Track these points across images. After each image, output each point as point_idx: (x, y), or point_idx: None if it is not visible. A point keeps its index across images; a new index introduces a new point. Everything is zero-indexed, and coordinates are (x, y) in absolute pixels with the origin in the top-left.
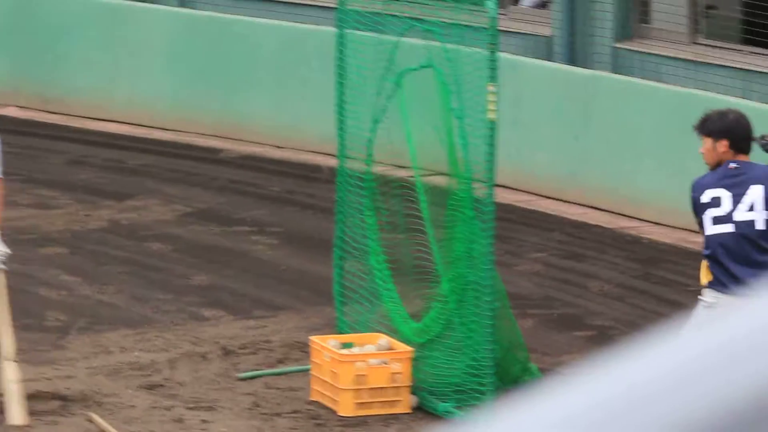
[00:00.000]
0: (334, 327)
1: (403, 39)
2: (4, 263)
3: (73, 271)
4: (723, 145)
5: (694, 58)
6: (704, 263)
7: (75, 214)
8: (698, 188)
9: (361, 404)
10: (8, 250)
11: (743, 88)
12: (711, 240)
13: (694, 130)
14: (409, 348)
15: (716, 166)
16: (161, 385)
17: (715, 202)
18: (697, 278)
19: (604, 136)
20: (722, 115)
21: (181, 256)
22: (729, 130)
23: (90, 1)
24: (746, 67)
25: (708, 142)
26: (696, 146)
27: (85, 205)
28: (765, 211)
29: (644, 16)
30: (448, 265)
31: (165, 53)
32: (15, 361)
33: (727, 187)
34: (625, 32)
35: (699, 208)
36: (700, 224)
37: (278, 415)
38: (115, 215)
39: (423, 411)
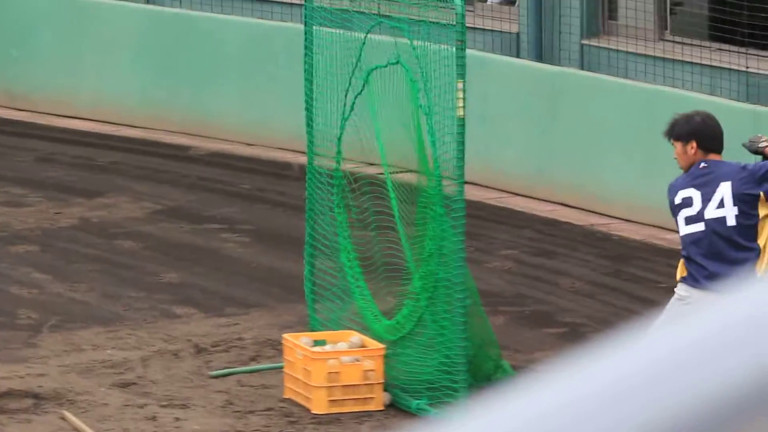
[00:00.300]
0: (306, 324)
1: (371, 36)
2: None
3: (44, 269)
4: (692, 147)
5: (662, 55)
6: (681, 261)
7: (45, 211)
8: (672, 190)
9: (334, 402)
10: None
11: (711, 85)
12: (685, 240)
13: (664, 137)
14: (381, 345)
15: (690, 168)
16: (134, 383)
17: (687, 203)
18: (669, 275)
19: (573, 133)
20: (689, 118)
21: (151, 254)
22: (696, 131)
23: None
24: (714, 64)
25: (678, 145)
26: (664, 143)
27: (55, 202)
28: (735, 208)
29: (612, 12)
30: (419, 262)
31: (131, 50)
32: None
33: (697, 187)
34: (592, 29)
35: (674, 210)
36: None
37: (251, 412)
38: (85, 213)
39: (396, 408)
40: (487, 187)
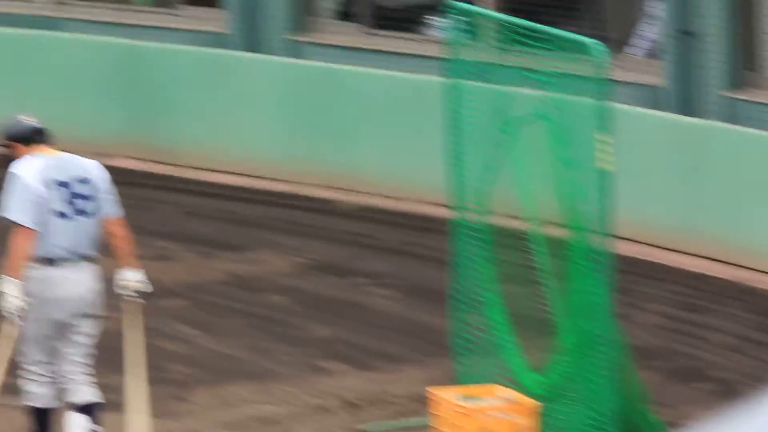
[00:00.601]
0: (454, 378)
1: (514, 88)
2: (139, 293)
3: (193, 323)
4: None
5: None
6: None
7: (193, 265)
8: None
9: None
10: (144, 279)
11: None
12: None
13: None
14: (535, 402)
15: None
16: None
17: None
18: None
19: (718, 186)
20: None
21: (299, 308)
22: None
23: (199, 52)
24: None
25: None
26: None
27: (202, 256)
28: None
29: (754, 65)
30: (568, 316)
31: (275, 104)
32: (145, 414)
33: None
34: (735, 81)
35: None
36: None
37: None
38: (232, 267)
39: None
40: (632, 240)
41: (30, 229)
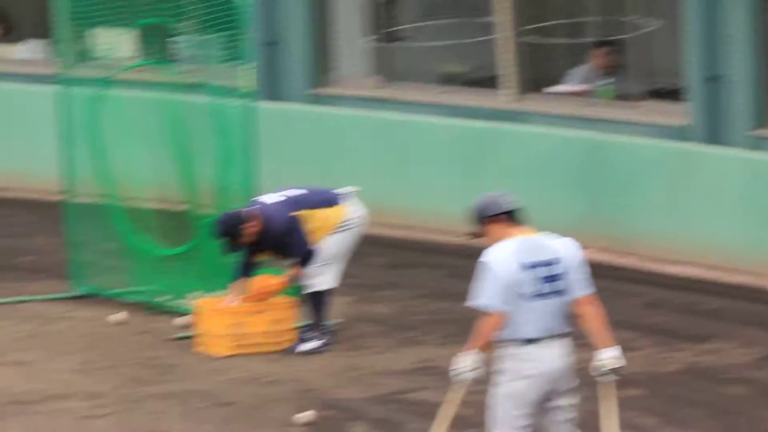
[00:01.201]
0: None
1: None
2: (612, 370)
3: (652, 413)
4: None
5: None
6: None
7: (652, 356)
8: None
9: None
10: (618, 355)
11: None
12: None
13: None
14: None
15: None
16: None
17: None
18: None
19: None
20: None
21: (760, 400)
22: None
23: (661, 145)
24: None
25: None
26: None
27: (662, 347)
28: None
29: None
30: None
31: (736, 197)
32: None
33: None
34: None
35: None
36: None
37: None
38: (692, 358)
39: None
40: None
41: (498, 312)
